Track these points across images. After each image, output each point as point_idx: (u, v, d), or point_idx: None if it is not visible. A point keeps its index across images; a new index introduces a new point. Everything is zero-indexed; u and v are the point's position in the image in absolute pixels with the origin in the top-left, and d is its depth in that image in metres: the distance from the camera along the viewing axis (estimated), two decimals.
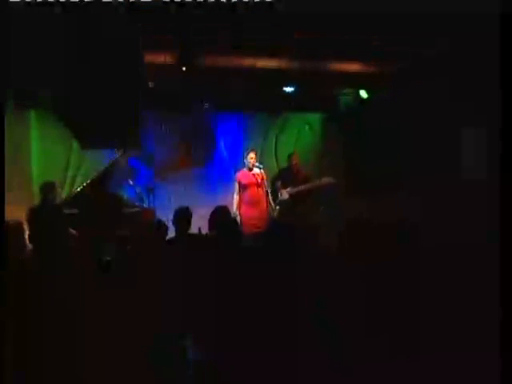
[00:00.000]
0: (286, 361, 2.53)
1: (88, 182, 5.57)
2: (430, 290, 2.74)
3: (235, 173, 6.21)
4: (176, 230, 3.70)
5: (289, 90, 6.04)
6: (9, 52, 3.18)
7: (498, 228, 2.72)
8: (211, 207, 3.69)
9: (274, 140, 6.94)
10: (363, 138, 6.57)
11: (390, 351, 2.51)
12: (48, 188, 4.97)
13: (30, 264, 3.42)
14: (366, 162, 6.44)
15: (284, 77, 5.80)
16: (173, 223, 3.71)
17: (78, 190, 5.60)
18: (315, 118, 7.01)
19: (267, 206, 5.78)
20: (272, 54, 5.30)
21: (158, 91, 5.57)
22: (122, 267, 3.19)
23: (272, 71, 5.54)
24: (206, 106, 6.33)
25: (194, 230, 3.91)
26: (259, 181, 5.78)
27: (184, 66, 5.10)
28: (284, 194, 6.03)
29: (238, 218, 5.70)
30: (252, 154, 5.85)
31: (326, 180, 5.93)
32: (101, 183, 5.54)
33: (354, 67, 5.65)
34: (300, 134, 7.00)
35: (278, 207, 5.92)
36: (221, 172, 6.76)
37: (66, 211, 5.19)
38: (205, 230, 3.83)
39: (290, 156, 6.28)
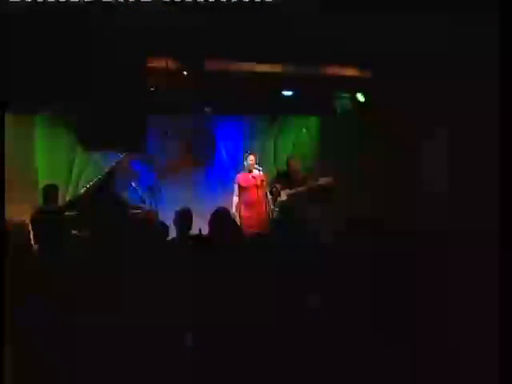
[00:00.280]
0: (286, 357, 2.54)
1: (91, 183, 5.57)
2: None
3: (235, 174, 6.24)
4: (177, 231, 3.71)
5: (287, 94, 6.05)
6: (9, 53, 3.12)
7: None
8: (211, 208, 3.69)
9: (272, 143, 6.95)
10: (360, 140, 6.61)
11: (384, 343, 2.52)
12: (49, 191, 4.97)
13: (35, 263, 3.43)
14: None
15: (282, 81, 5.81)
16: (174, 224, 3.72)
17: (82, 191, 5.60)
18: (313, 121, 7.01)
19: (266, 208, 5.80)
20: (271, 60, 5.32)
21: (160, 95, 5.57)
22: (125, 266, 3.19)
23: (271, 76, 5.56)
24: (207, 109, 6.33)
25: (194, 230, 3.91)
26: (258, 182, 5.81)
27: (185, 71, 5.11)
28: (283, 196, 6.05)
29: (238, 219, 5.73)
30: (252, 157, 5.89)
31: (323, 181, 5.94)
32: (104, 185, 5.54)
33: (350, 71, 5.67)
34: (298, 137, 7.02)
35: (276, 208, 5.93)
36: (221, 174, 6.78)
37: (70, 212, 5.19)
38: (205, 231, 3.82)
39: (288, 158, 6.31)
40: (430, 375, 2.46)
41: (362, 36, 4.56)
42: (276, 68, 5.53)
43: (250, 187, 5.85)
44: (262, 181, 5.82)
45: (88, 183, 5.67)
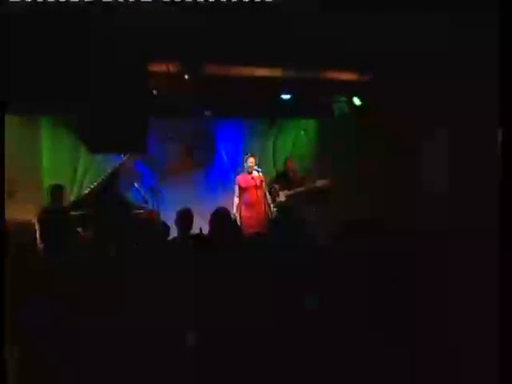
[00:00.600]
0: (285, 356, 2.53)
1: (96, 184, 5.57)
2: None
3: (235, 176, 6.26)
4: (178, 230, 3.71)
5: (286, 97, 6.05)
6: (8, 52, 3.03)
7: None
8: (212, 208, 3.69)
9: (271, 145, 6.94)
10: (357, 142, 6.61)
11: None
12: (58, 190, 4.97)
13: (40, 262, 3.42)
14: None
15: (281, 85, 5.81)
16: (175, 224, 3.71)
17: (86, 191, 5.60)
18: (311, 123, 7.01)
19: (265, 208, 5.81)
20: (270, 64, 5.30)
21: (162, 99, 5.57)
22: (127, 264, 3.19)
23: (270, 80, 5.55)
24: (207, 112, 6.33)
25: (195, 230, 3.91)
26: (258, 183, 5.83)
27: (186, 75, 5.10)
28: (281, 196, 6.05)
29: (238, 219, 5.75)
30: (251, 159, 5.92)
31: (320, 182, 5.95)
32: (108, 185, 5.54)
33: (348, 75, 5.66)
34: (296, 139, 7.01)
35: (275, 208, 5.94)
36: (221, 175, 6.78)
37: (75, 212, 5.19)
38: (206, 230, 3.82)
39: (286, 160, 6.32)
40: (429, 375, 2.43)
41: (361, 36, 4.50)
42: (275, 72, 5.52)
43: (249, 188, 5.87)
44: (262, 181, 5.84)
45: (92, 183, 5.67)
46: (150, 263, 3.03)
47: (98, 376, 2.45)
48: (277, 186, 6.12)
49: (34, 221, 4.80)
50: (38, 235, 4.59)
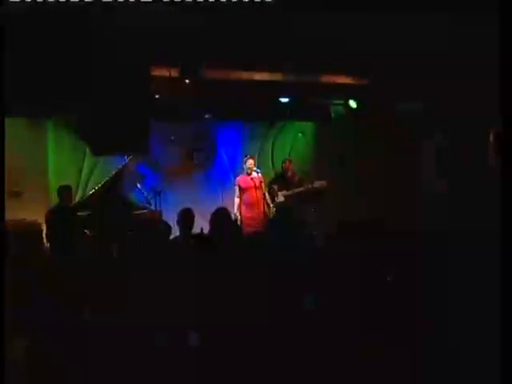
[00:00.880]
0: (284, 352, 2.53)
1: (100, 185, 5.57)
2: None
3: (235, 177, 6.29)
4: (180, 230, 3.71)
5: (284, 100, 6.07)
6: (8, 53, 2.95)
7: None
8: (212, 209, 3.70)
9: (270, 147, 6.95)
10: (353, 144, 6.63)
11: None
12: (63, 191, 4.98)
13: (48, 260, 3.43)
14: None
15: (280, 89, 5.82)
16: (177, 223, 3.71)
17: (91, 192, 5.61)
18: (308, 126, 7.03)
19: (265, 208, 5.83)
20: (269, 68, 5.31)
21: (164, 102, 5.58)
22: (130, 263, 3.20)
23: (268, 83, 5.56)
24: (208, 115, 6.34)
25: (196, 229, 3.91)
26: (257, 184, 5.85)
27: (187, 79, 5.11)
28: (280, 197, 6.07)
29: (238, 219, 5.77)
30: (251, 160, 5.95)
31: (318, 183, 5.96)
32: (111, 186, 5.54)
33: (345, 79, 5.67)
34: (294, 141, 7.02)
35: (274, 208, 5.96)
36: (221, 176, 6.79)
37: (80, 213, 5.19)
38: (206, 230, 3.83)
39: (285, 161, 6.33)
40: (430, 376, 2.39)
41: (359, 37, 4.46)
42: (274, 76, 5.54)
43: (249, 189, 5.90)
44: (261, 182, 5.89)
45: (96, 185, 5.68)
46: (152, 262, 3.04)
47: (102, 372, 2.45)
48: (275, 187, 6.13)
49: (41, 221, 4.81)
50: (44, 235, 4.60)
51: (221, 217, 3.61)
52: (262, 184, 5.89)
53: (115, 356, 2.49)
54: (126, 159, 5.70)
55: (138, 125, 4.67)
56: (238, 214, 5.83)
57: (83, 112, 4.59)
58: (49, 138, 6.02)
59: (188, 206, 3.88)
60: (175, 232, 3.74)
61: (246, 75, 5.43)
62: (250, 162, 5.91)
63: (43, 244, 4.47)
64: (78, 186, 6.09)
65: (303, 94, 5.91)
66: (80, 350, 2.50)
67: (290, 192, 6.04)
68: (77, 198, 5.82)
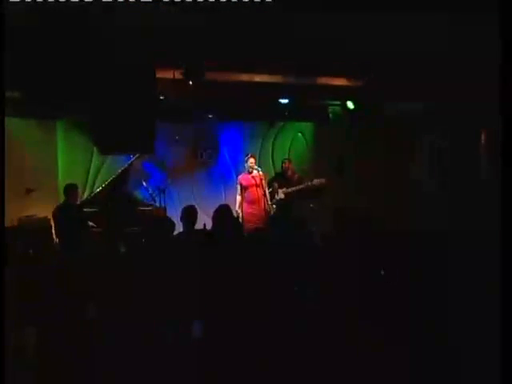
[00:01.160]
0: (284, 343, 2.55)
1: (107, 183, 5.60)
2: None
3: (236, 175, 6.31)
4: (183, 226, 3.73)
5: (284, 101, 6.08)
6: (8, 53, 2.90)
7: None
8: (215, 205, 3.72)
9: (270, 146, 6.97)
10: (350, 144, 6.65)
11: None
12: (70, 189, 5.01)
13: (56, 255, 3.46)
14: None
15: (279, 90, 5.83)
16: (181, 220, 3.74)
17: (98, 190, 5.64)
18: (307, 126, 7.04)
19: (265, 205, 5.85)
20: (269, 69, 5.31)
21: (169, 103, 5.60)
22: (135, 258, 3.23)
23: (269, 85, 5.57)
24: (211, 116, 6.36)
25: (199, 225, 3.94)
26: (258, 182, 5.87)
27: (191, 80, 5.13)
28: (280, 194, 6.08)
29: (241, 216, 5.80)
30: (252, 159, 5.96)
31: (316, 181, 5.98)
32: (118, 184, 5.57)
33: (341, 81, 5.68)
34: (294, 141, 7.04)
35: (274, 206, 5.99)
36: (223, 174, 6.82)
37: (87, 209, 5.22)
38: (209, 226, 3.85)
39: (284, 160, 6.35)
40: (429, 376, 2.36)
41: (359, 37, 4.41)
42: (274, 78, 5.55)
43: (250, 186, 5.92)
44: (261, 180, 5.89)
45: (103, 183, 5.71)
46: (156, 257, 3.06)
47: (109, 365, 2.47)
48: (276, 185, 6.15)
49: (50, 217, 4.85)
50: (53, 231, 4.64)
51: (223, 213, 3.63)
52: (263, 182, 5.91)
53: (121, 350, 2.51)
54: (132, 158, 5.73)
55: (144, 125, 4.69)
56: (239, 211, 5.85)
57: (91, 113, 4.61)
58: (58, 138, 6.06)
59: (191, 203, 3.90)
60: (179, 228, 3.76)
61: (246, 77, 5.44)
62: (251, 161, 5.93)
63: (52, 239, 4.51)
64: (85, 184, 6.13)
65: (302, 95, 5.92)
66: (85, 345, 2.52)
67: (289, 190, 6.06)
68: (85, 196, 5.86)
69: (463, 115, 5.22)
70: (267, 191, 5.96)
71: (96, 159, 6.15)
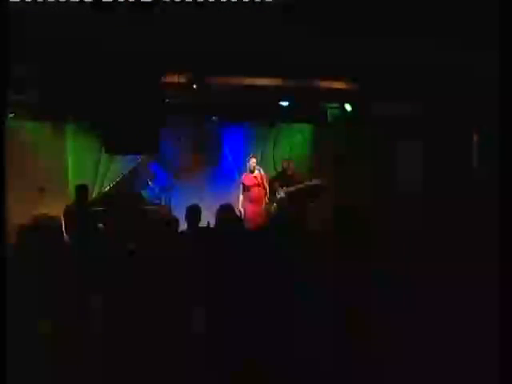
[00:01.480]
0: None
1: (114, 183, 5.65)
2: None
3: (239, 174, 6.36)
4: (187, 224, 3.76)
5: (284, 104, 6.11)
6: (9, 54, 2.81)
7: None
8: (218, 204, 3.75)
9: (271, 147, 6.99)
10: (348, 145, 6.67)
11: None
12: (80, 189, 5.05)
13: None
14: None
15: (280, 93, 5.86)
16: (185, 218, 3.76)
17: (106, 189, 5.68)
18: (307, 127, 7.06)
19: (266, 203, 5.90)
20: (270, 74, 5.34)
21: (174, 106, 5.64)
22: (142, 254, 3.26)
23: (270, 88, 5.60)
24: (214, 118, 6.40)
25: (203, 223, 3.96)
26: (259, 181, 5.92)
27: (194, 84, 5.16)
28: (281, 193, 6.12)
29: (243, 214, 5.84)
30: (253, 159, 6.01)
31: (316, 180, 6.01)
32: (125, 184, 5.61)
33: (340, 84, 5.70)
34: (294, 142, 7.06)
35: (275, 204, 6.03)
36: (226, 174, 6.84)
37: (96, 208, 5.27)
38: (212, 224, 3.88)
39: (285, 160, 6.38)
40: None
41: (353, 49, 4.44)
42: (275, 81, 5.57)
43: (253, 186, 5.98)
44: (263, 180, 5.95)
45: (111, 182, 5.75)
46: (162, 253, 3.10)
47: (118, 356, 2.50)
48: (277, 184, 6.18)
49: (61, 216, 4.89)
50: (63, 229, 4.69)
51: (225, 212, 3.66)
52: (264, 181, 5.97)
53: (126, 346, 2.55)
54: (139, 159, 5.77)
55: (149, 127, 4.74)
56: (241, 209, 5.90)
57: (99, 116, 4.67)
58: (68, 140, 6.11)
59: (195, 202, 3.93)
60: (183, 226, 3.80)
61: (248, 80, 5.47)
62: (253, 161, 6.00)
63: (63, 236, 4.56)
64: (94, 184, 6.17)
65: (301, 97, 5.95)
66: (90, 338, 2.56)
67: (290, 188, 6.10)
68: (93, 195, 5.91)
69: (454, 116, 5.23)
70: (268, 190, 6.01)
71: (104, 160, 6.19)
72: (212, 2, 3.47)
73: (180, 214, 3.90)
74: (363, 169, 6.51)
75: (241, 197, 6.00)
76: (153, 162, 6.27)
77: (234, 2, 3.53)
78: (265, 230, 3.78)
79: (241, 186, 6.05)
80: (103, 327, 2.71)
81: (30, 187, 5.57)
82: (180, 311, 2.79)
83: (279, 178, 6.30)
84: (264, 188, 5.98)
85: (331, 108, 6.41)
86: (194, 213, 3.74)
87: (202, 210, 3.85)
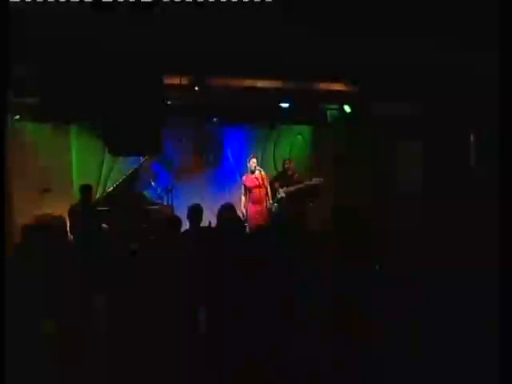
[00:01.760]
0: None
1: (117, 183, 5.62)
2: None
3: (240, 175, 6.33)
4: (190, 224, 3.74)
5: (284, 105, 6.08)
6: (9, 54, 2.78)
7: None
8: (219, 205, 3.72)
9: (272, 148, 6.97)
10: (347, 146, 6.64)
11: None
12: (84, 190, 5.02)
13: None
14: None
15: (280, 95, 5.83)
16: (187, 218, 3.75)
17: (109, 190, 5.66)
18: (307, 129, 7.04)
19: (267, 203, 5.89)
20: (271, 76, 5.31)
21: (176, 108, 5.61)
22: (145, 254, 3.24)
23: (270, 90, 5.57)
24: (215, 120, 6.38)
25: (204, 223, 3.94)
26: (260, 182, 5.90)
27: (196, 86, 5.14)
28: (281, 193, 6.10)
29: (244, 214, 5.82)
30: (254, 160, 5.99)
31: (316, 180, 5.99)
32: (128, 184, 5.59)
33: (340, 86, 5.68)
34: (294, 143, 7.04)
35: (275, 204, 6.00)
36: (227, 174, 6.82)
37: (100, 208, 5.24)
38: (213, 224, 3.86)
39: (285, 161, 6.35)
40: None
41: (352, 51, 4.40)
42: (275, 83, 5.55)
43: (254, 187, 5.96)
44: (264, 180, 5.93)
45: (115, 183, 5.72)
46: (164, 252, 3.08)
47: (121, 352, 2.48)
48: (277, 184, 6.16)
49: (65, 216, 4.87)
50: (68, 228, 4.66)
51: (226, 212, 3.64)
52: (265, 182, 5.96)
53: (130, 345, 2.52)
54: (142, 159, 5.74)
55: (152, 128, 4.70)
56: (243, 210, 5.88)
57: (102, 117, 4.63)
58: (72, 141, 6.09)
59: (197, 202, 3.91)
60: (185, 225, 3.78)
61: (249, 82, 5.44)
62: (253, 161, 5.98)
63: (67, 235, 4.53)
64: (98, 184, 6.15)
65: (301, 99, 5.92)
66: (94, 336, 2.54)
67: (290, 188, 6.07)
68: (97, 195, 5.88)
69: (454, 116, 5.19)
70: (269, 190, 5.99)
71: (108, 160, 6.17)
72: (212, 1, 3.44)
73: (182, 214, 3.88)
74: (363, 169, 6.49)
75: (243, 198, 5.99)
76: (155, 163, 6.25)
77: (234, 1, 3.51)
78: (266, 230, 3.74)
79: (242, 188, 6.03)
80: (107, 327, 2.68)
81: (35, 187, 5.54)
82: (182, 311, 2.77)
83: (279, 178, 6.27)
84: (265, 188, 5.96)
85: (331, 109, 6.38)
86: (195, 212, 3.74)
87: (204, 210, 3.83)
